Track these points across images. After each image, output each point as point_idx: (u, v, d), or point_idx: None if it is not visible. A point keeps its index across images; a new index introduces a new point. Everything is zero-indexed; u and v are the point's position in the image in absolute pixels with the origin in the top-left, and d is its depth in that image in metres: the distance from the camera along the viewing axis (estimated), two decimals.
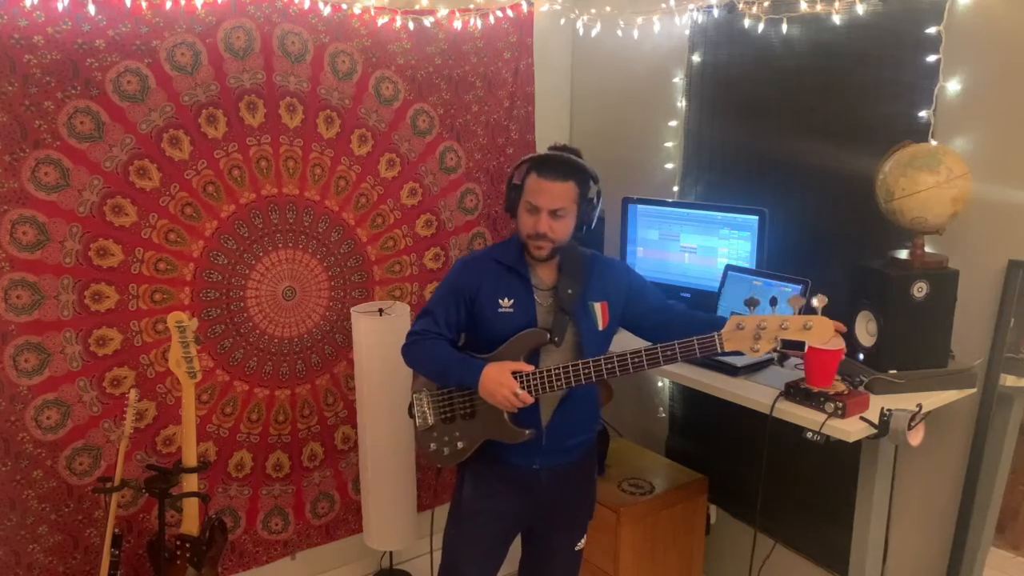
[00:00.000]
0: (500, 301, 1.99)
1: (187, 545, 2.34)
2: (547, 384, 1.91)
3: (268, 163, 2.60)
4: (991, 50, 1.98)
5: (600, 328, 2.03)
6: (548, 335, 1.96)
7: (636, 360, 1.87)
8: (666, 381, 3.03)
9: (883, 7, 2.18)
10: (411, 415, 2.13)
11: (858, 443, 1.87)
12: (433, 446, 2.08)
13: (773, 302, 1.88)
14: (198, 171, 2.48)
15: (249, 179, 2.57)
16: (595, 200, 1.99)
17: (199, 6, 2.37)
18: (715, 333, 1.82)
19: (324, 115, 2.68)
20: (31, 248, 2.25)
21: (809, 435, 1.84)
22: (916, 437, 1.79)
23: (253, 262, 2.63)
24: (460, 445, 2.04)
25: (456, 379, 1.97)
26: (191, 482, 2.33)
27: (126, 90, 2.31)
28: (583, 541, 2.21)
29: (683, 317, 2.05)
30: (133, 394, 2.33)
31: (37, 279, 2.27)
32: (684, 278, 2.65)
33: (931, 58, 2.07)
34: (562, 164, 1.93)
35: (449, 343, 2.04)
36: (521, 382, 1.90)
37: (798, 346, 1.84)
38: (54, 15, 2.16)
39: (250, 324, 2.66)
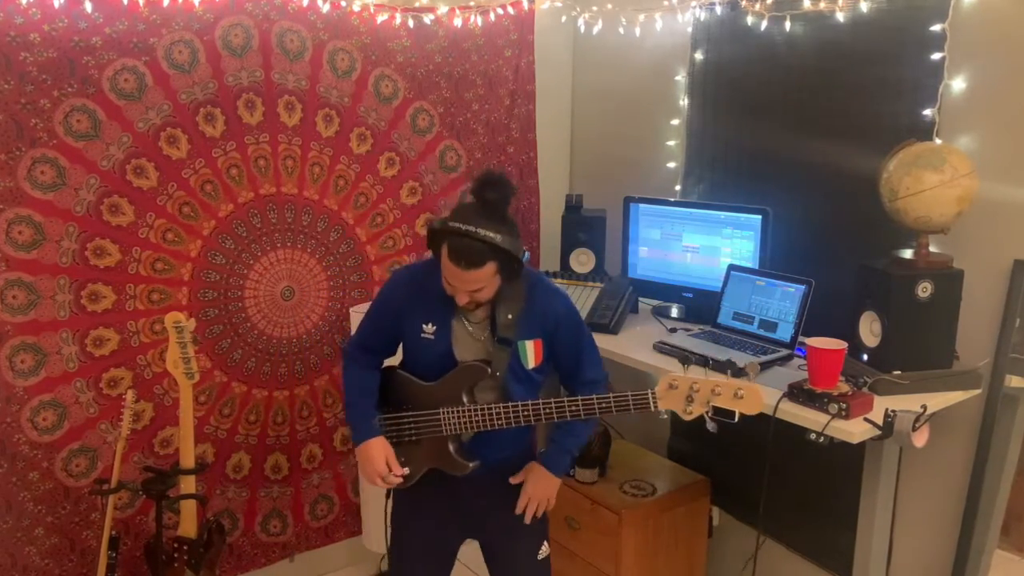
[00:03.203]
0: (424, 326, 1.90)
1: (185, 547, 2.33)
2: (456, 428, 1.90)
3: (267, 162, 2.58)
4: (996, 48, 1.97)
5: (531, 365, 1.91)
6: (488, 370, 1.87)
7: (560, 409, 1.82)
8: None
9: (887, 4, 2.16)
10: None
11: (862, 444, 1.86)
12: None
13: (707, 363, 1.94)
14: (196, 170, 2.46)
15: (247, 178, 2.55)
16: (520, 259, 1.78)
17: (196, 3, 2.35)
18: (649, 391, 1.77)
19: (323, 113, 2.66)
20: (27, 248, 2.24)
21: (812, 436, 1.82)
22: (920, 438, 1.78)
23: (251, 262, 2.62)
24: (406, 469, 2.00)
25: (350, 426, 2.01)
26: (189, 484, 2.32)
27: (123, 88, 2.29)
28: (544, 549, 2.08)
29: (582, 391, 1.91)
30: (130, 395, 2.32)
31: (33, 279, 2.26)
32: (686, 278, 2.63)
33: (935, 56, 2.05)
34: (475, 254, 1.71)
35: (375, 366, 2.02)
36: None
37: (728, 415, 1.72)
38: (50, 12, 2.14)
39: (248, 324, 2.64)
